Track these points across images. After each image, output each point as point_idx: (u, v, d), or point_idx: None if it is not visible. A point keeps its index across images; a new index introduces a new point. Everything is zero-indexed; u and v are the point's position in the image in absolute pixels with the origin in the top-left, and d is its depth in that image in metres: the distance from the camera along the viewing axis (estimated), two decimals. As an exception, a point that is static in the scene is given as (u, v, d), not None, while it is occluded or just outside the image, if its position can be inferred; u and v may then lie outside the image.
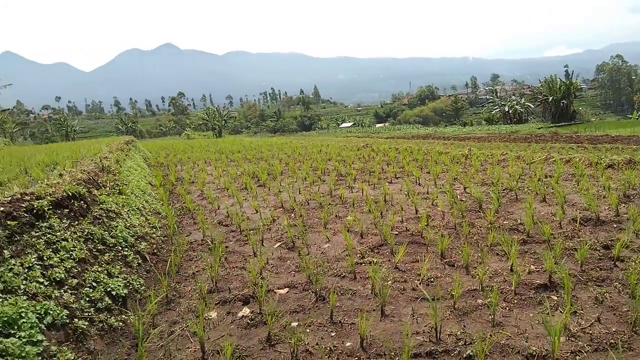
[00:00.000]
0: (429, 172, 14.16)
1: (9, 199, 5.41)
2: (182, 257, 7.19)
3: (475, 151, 19.18)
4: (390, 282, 5.73)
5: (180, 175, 18.16)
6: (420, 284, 5.63)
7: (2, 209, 5.06)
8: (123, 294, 5.48)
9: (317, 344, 4.33)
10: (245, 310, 5.18)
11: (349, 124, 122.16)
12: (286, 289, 5.74)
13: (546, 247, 6.62)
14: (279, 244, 7.72)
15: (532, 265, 5.95)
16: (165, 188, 13.96)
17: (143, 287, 5.92)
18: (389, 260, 6.50)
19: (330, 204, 10.27)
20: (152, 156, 27.05)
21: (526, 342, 4.14)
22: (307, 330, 4.60)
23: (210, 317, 5.11)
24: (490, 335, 4.27)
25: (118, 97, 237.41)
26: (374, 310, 4.99)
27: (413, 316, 4.80)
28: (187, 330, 4.83)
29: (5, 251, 4.63)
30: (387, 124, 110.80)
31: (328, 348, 4.24)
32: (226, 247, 7.79)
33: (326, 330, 4.60)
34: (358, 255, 6.72)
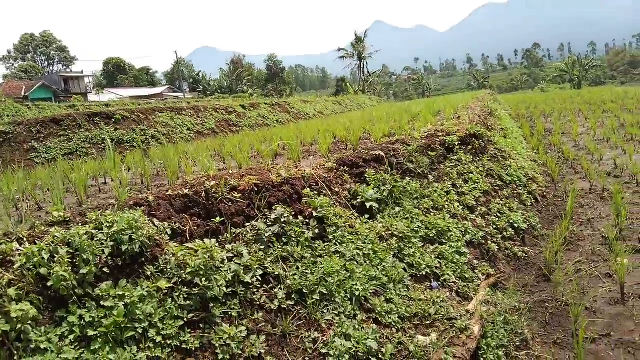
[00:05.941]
0: None
1: (426, 134, 6.34)
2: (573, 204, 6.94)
3: None
4: None
5: (546, 126, 17.34)
6: None
7: (424, 142, 5.98)
8: (523, 228, 5.73)
9: None
10: (667, 264, 4.64)
11: None
12: None
13: None
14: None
15: None
16: (535, 138, 13.62)
17: (540, 226, 6.04)
18: None
19: None
20: (512, 108, 26.60)
21: None
22: None
23: (620, 263, 4.80)
24: None
25: (471, 54, 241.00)
26: None
27: None
28: (598, 271, 4.69)
29: (430, 176, 5.50)
30: None
31: None
32: (622, 198, 7.05)
33: None
34: None
